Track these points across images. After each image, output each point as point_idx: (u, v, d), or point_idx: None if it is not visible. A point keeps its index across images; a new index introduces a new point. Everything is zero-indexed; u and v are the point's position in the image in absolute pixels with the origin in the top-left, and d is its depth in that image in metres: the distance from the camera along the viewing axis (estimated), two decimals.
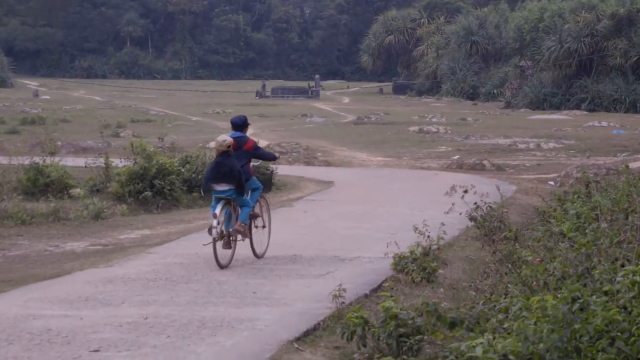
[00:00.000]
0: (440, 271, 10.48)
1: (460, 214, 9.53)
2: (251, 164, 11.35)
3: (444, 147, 31.23)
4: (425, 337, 7.05)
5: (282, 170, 20.66)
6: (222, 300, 9.06)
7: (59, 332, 7.79)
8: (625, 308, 5.91)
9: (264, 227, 11.58)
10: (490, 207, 10.01)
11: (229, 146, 10.75)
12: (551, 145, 31.33)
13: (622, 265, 6.98)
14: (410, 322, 6.98)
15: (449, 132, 36.87)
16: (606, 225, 8.52)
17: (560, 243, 8.55)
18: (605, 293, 6.13)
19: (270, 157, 12.20)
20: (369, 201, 17.39)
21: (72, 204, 16.24)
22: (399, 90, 75.01)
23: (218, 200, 10.75)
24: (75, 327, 7.94)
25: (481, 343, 5.72)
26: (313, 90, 70.68)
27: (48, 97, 61.53)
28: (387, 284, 9.47)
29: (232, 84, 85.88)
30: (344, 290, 8.50)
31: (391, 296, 7.41)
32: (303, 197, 18.52)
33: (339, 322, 7.62)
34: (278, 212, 14.89)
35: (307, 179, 21.62)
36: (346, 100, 67.46)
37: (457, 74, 67.69)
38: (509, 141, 32.56)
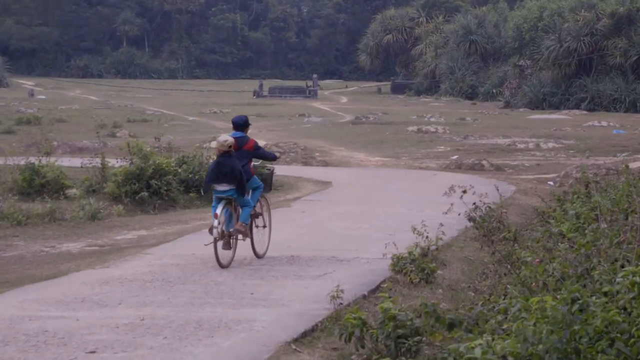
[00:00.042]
0: (438, 272, 10.45)
1: (459, 214, 9.52)
2: (252, 163, 11.36)
3: (442, 147, 31.17)
4: (424, 338, 7.04)
5: (279, 170, 20.47)
6: (220, 301, 9.03)
7: (55, 334, 7.76)
8: (625, 309, 5.89)
9: (264, 226, 11.58)
10: (489, 207, 9.98)
11: (230, 146, 10.75)
12: (550, 145, 31.27)
13: (622, 266, 6.96)
14: (408, 323, 6.96)
15: (448, 132, 36.80)
16: (606, 225, 8.49)
17: (559, 244, 8.51)
18: (605, 294, 6.12)
19: (271, 157, 12.20)
20: (367, 201, 17.35)
21: (68, 204, 16.18)
22: (397, 89, 74.93)
23: (219, 200, 10.76)
24: (72, 329, 7.92)
25: (480, 344, 5.70)
26: (311, 89, 70.59)
27: (44, 96, 61.41)
28: (385, 285, 9.45)
29: (229, 84, 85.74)
30: (342, 291, 8.48)
31: (389, 297, 7.39)
32: (301, 197, 18.48)
33: (337, 323, 7.60)
34: (276, 212, 14.82)
35: (304, 179, 21.57)
36: (344, 99, 67.42)
37: (455, 74, 67.60)
38: (508, 141, 32.48)
